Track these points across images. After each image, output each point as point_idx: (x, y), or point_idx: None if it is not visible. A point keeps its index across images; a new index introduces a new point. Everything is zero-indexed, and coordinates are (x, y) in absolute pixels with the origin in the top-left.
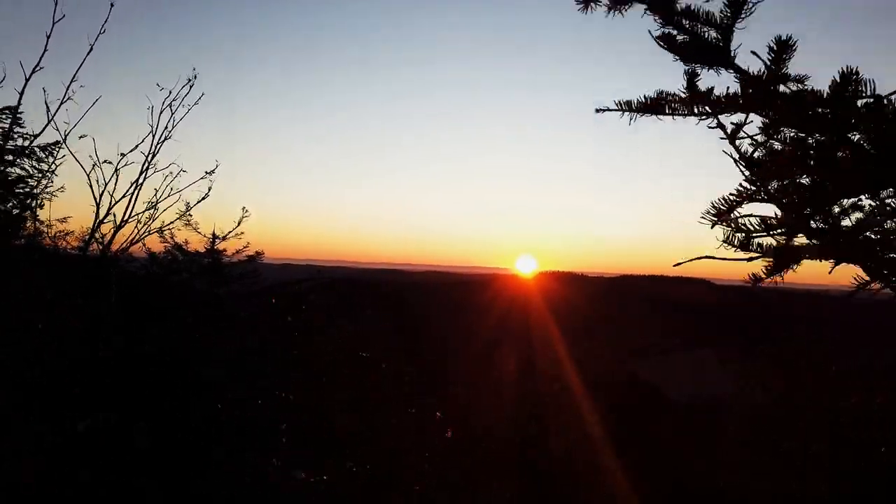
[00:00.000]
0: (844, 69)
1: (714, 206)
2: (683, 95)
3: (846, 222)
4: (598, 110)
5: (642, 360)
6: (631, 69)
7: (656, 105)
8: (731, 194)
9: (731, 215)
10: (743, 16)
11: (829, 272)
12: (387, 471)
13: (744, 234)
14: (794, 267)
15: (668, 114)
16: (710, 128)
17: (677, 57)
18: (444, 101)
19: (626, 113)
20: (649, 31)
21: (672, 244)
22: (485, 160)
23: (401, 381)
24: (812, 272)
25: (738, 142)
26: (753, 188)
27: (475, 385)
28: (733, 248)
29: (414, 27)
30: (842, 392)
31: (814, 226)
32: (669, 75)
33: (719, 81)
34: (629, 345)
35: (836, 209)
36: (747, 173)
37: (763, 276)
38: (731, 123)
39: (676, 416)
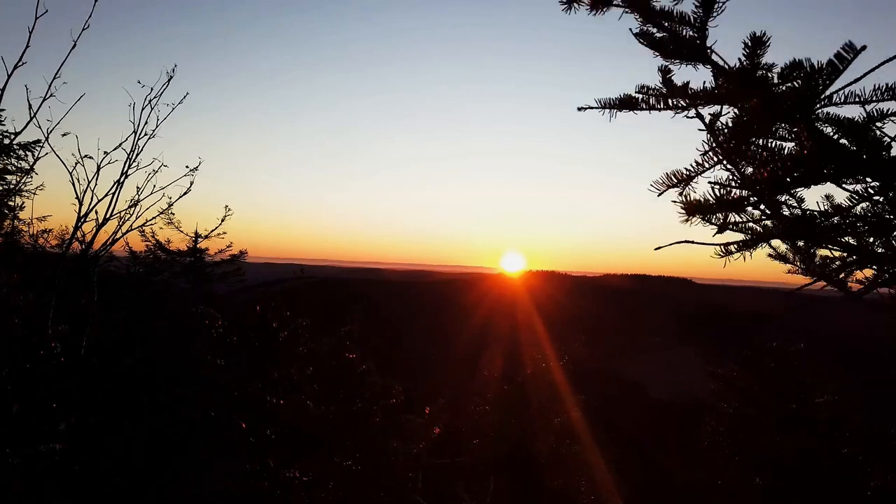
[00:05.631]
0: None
1: (668, 177)
2: (662, 90)
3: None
4: (580, 108)
5: (625, 358)
6: (613, 70)
7: (633, 101)
8: (686, 168)
9: (685, 189)
10: (714, 14)
11: (801, 261)
12: (372, 469)
13: (720, 209)
14: (764, 245)
15: (645, 109)
16: (688, 117)
17: (657, 53)
18: (431, 100)
19: (607, 110)
20: (630, 30)
21: (655, 244)
22: (471, 160)
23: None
24: (795, 276)
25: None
26: (709, 165)
27: (460, 385)
28: (711, 224)
29: (400, 26)
30: (815, 392)
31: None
32: (647, 69)
33: (696, 76)
34: (613, 343)
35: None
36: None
37: (734, 250)
38: (709, 114)
39: (658, 414)
